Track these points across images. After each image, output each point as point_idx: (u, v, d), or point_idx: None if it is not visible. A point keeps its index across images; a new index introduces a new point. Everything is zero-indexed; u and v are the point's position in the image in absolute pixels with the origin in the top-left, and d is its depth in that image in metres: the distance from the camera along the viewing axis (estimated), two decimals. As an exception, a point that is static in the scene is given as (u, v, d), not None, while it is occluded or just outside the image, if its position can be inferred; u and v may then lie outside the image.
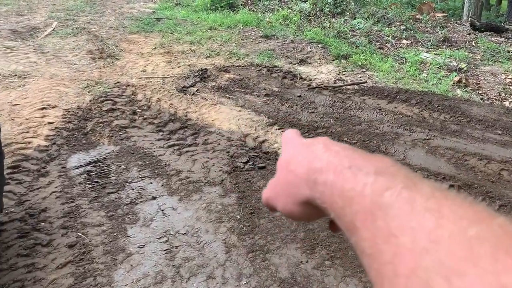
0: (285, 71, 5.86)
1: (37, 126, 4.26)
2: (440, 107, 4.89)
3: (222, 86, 5.31)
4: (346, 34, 7.53)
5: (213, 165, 3.70)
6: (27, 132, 4.15)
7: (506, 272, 0.27)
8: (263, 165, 3.74)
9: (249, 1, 9.35)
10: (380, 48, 7.60)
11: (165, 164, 3.70)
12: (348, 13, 9.46)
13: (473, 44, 8.99)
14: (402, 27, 9.26)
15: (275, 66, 6.00)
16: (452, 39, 9.05)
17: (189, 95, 5.02)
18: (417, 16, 10.52)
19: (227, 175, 3.56)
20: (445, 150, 3.99)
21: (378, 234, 0.35)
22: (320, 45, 7.02)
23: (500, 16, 14.92)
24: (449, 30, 9.82)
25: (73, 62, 5.85)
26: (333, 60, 6.47)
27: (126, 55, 6.21)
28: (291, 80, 5.64)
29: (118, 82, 5.21)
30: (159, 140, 4.13)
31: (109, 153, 3.90)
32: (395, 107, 4.92)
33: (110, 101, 4.73)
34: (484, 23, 10.47)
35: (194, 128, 4.36)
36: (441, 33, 9.02)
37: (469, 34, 9.80)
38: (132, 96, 4.89)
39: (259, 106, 4.88)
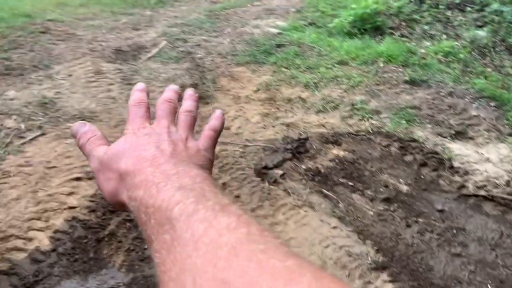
0: (427, 151, 3.87)
1: (55, 210, 3.19)
2: None
3: (322, 171, 3.61)
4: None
5: None
6: (39, 219, 3.10)
7: (228, 269, 0.34)
8: None
9: (402, 24, 7.27)
10: None
11: None
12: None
13: None
14: None
15: (414, 140, 4.03)
16: None
17: (268, 182, 3.46)
18: None
19: None
20: None
21: (164, 245, 0.39)
22: (492, 104, 4.75)
23: None
24: None
25: (154, 102, 4.76)
26: (510, 135, 4.21)
27: (220, 98, 4.91)
28: (433, 170, 3.64)
29: (185, 146, 3.91)
30: (190, 273, 2.69)
31: (111, 287, 2.60)
32: None
33: (157, 181, 3.45)
34: None
35: (252, 255, 2.81)
36: None
37: None
38: (190, 176, 3.54)
39: (368, 221, 3.08)
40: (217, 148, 3.80)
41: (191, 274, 0.35)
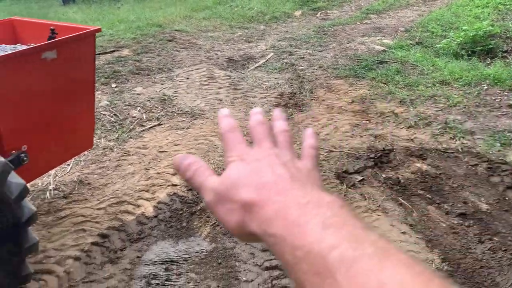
0: (518, 175, 3.78)
1: (160, 185, 3.80)
2: None
3: (402, 181, 3.74)
4: None
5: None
6: (147, 191, 3.74)
7: None
8: None
9: (518, 47, 6.91)
10: None
11: (237, 303, 2.62)
12: None
13: None
14: None
15: (505, 163, 3.95)
16: None
17: (347, 186, 3.70)
18: None
19: None
20: None
21: None
22: None
23: None
24: None
25: (254, 106, 5.27)
26: None
27: (314, 107, 5.25)
28: (521, 194, 3.56)
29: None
30: (263, 251, 3.05)
31: (196, 252, 3.07)
32: None
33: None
34: None
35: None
36: None
37: None
38: (276, 171, 3.92)
39: (439, 232, 3.17)
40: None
41: None
